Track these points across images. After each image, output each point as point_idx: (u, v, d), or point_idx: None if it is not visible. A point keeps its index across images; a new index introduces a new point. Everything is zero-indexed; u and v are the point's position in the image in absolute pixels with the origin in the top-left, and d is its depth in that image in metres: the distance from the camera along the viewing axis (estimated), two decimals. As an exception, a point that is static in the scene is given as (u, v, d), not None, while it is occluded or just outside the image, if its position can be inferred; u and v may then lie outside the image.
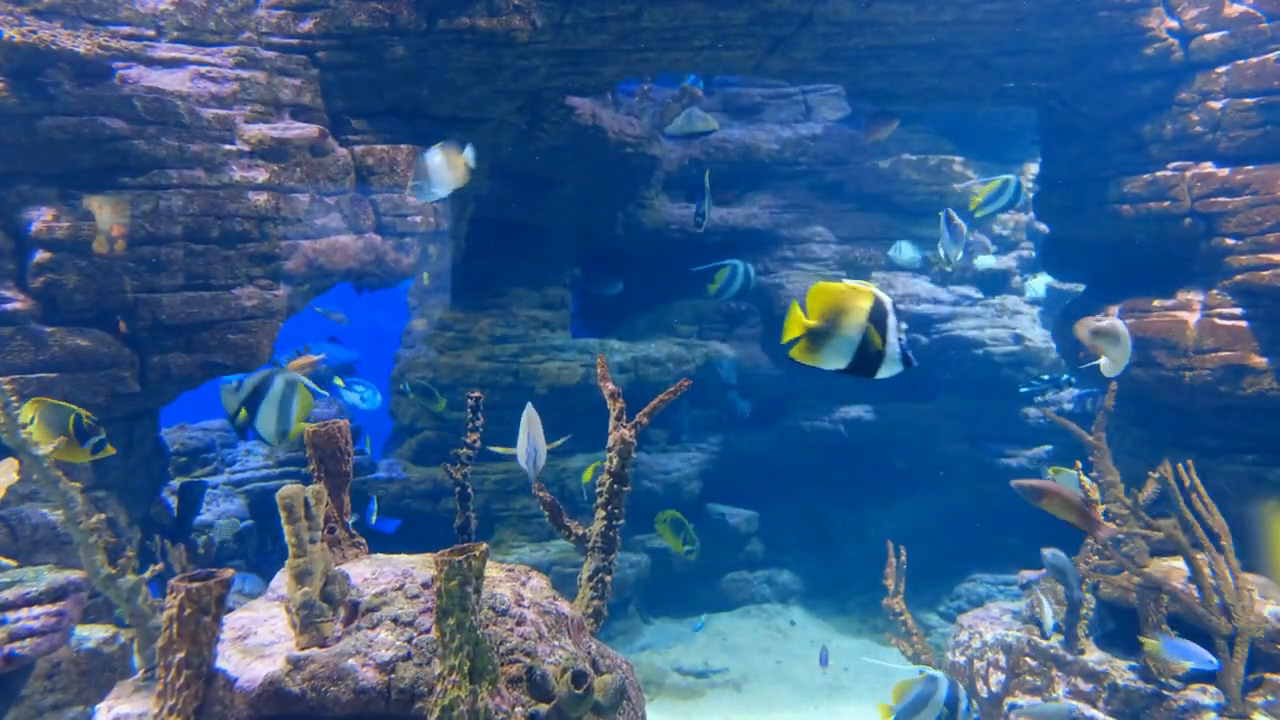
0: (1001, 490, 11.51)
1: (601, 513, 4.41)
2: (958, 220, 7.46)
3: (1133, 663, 6.67)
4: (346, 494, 4.38)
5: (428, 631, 3.41)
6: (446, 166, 6.40)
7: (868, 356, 3.53)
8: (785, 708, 9.61)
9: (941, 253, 7.59)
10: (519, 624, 3.59)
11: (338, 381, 12.66)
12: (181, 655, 2.88)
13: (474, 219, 9.78)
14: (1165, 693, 6.34)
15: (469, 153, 6.56)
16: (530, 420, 5.74)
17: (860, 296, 3.55)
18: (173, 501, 8.36)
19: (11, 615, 5.32)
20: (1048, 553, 7.10)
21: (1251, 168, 7.49)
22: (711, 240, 13.19)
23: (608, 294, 12.92)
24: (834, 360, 3.61)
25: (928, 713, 5.82)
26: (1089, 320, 6.62)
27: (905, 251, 12.47)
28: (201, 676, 2.92)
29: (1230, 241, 7.58)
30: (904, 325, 3.59)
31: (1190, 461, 6.64)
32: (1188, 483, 6.54)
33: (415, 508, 11.19)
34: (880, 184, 13.39)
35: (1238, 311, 7.53)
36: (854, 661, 10.75)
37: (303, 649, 3.38)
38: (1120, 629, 7.09)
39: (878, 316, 3.50)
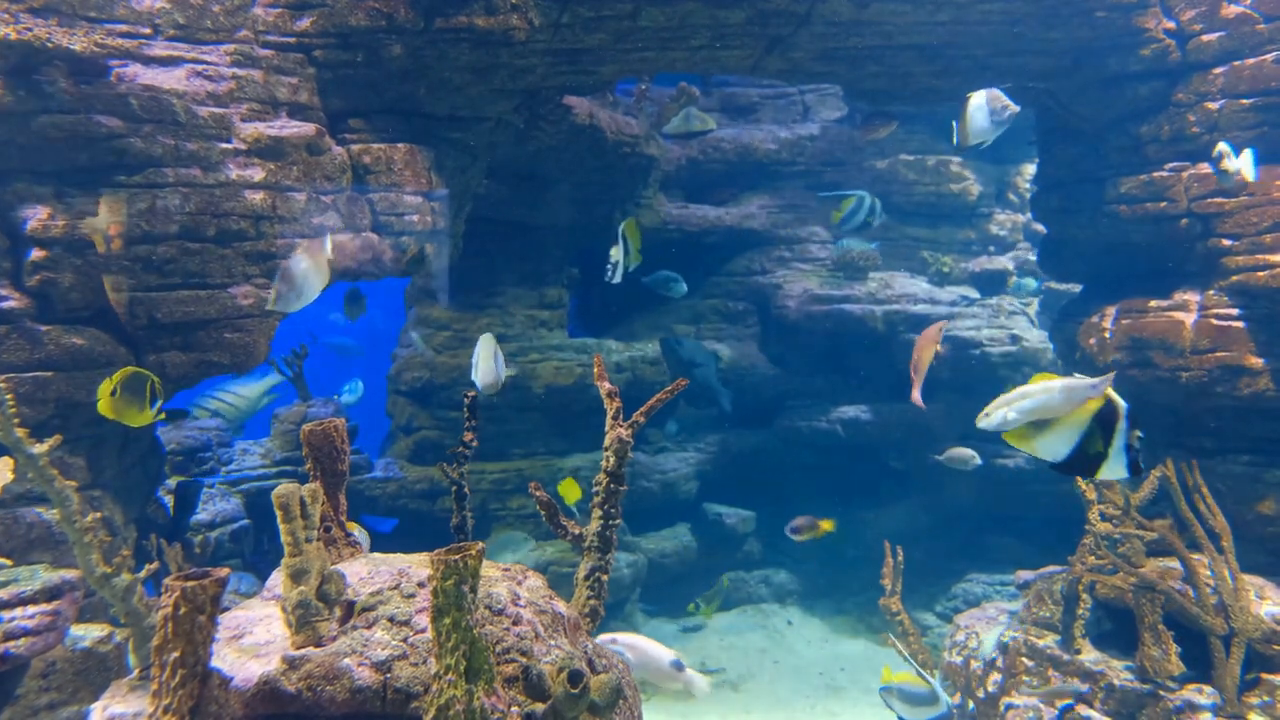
0: (999, 490, 11.60)
1: (598, 512, 4.40)
2: (1006, 102, 6.67)
3: (1129, 662, 6.67)
4: (343, 493, 4.36)
5: (424, 631, 3.40)
6: (314, 271, 6.07)
7: (1088, 455, 3.48)
8: (782, 707, 9.61)
9: (964, 130, 6.78)
10: (515, 623, 3.58)
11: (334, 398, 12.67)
12: (177, 654, 2.87)
13: (471, 218, 9.77)
14: (1161, 693, 6.34)
15: (327, 245, 6.31)
16: (485, 344, 6.23)
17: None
18: (169, 501, 8.35)
19: (6, 614, 5.30)
20: None
21: (1248, 169, 7.49)
22: (708, 240, 13.20)
23: (672, 298, 12.65)
24: (1048, 451, 3.57)
25: (923, 711, 5.88)
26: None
27: (854, 246, 12.43)
28: (197, 676, 2.91)
29: (1227, 242, 7.58)
30: (1139, 433, 3.49)
31: (1195, 462, 6.64)
32: (1191, 482, 6.54)
33: (412, 507, 11.19)
34: (878, 184, 13.39)
35: (1234, 312, 7.54)
36: (850, 663, 10.75)
37: (298, 648, 3.38)
38: (1117, 629, 7.09)
39: (1106, 418, 3.46)
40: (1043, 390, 6.67)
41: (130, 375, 5.79)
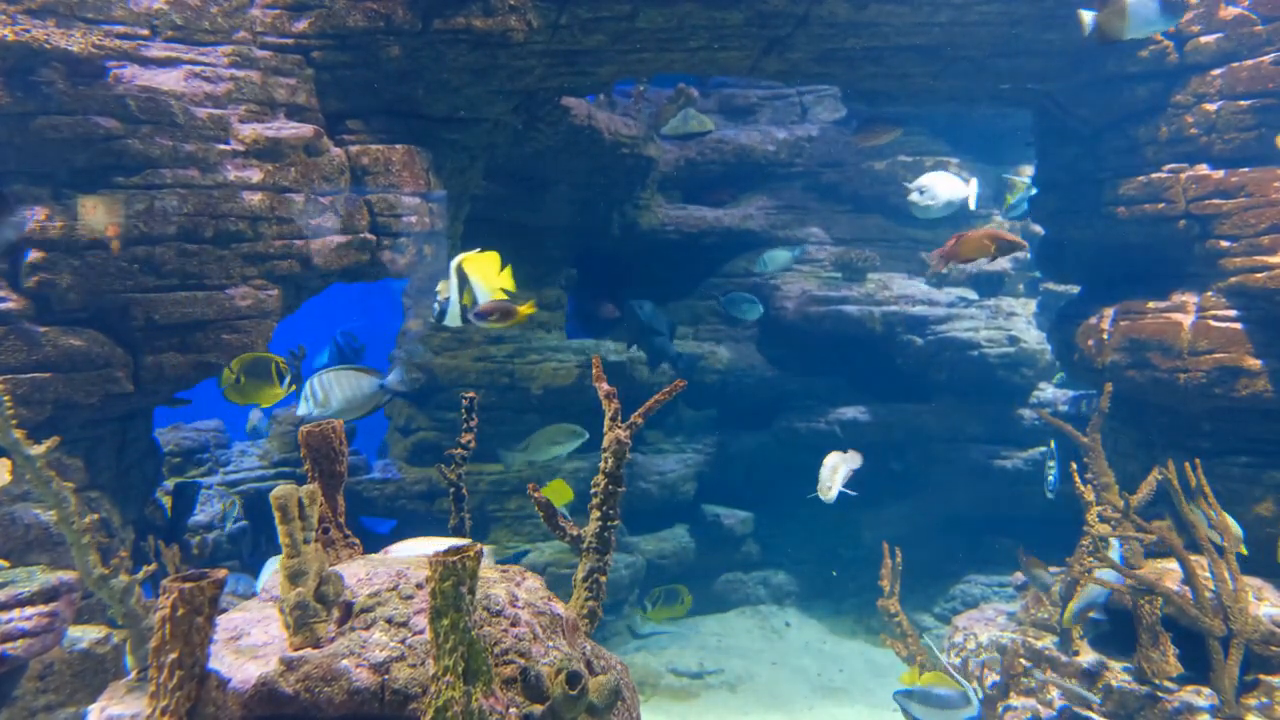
0: (997, 491, 11.60)
1: (596, 513, 4.40)
2: None
3: (1127, 664, 6.68)
4: (341, 494, 4.36)
5: (422, 632, 3.39)
6: None
7: None
8: (780, 708, 9.61)
9: (1120, 22, 6.02)
10: (513, 625, 3.58)
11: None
12: (174, 656, 2.87)
13: (469, 219, 9.77)
14: (1159, 694, 6.34)
15: None
16: (325, 382, 6.16)
17: None
18: (166, 502, 8.34)
19: (4, 616, 5.29)
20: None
21: (1246, 170, 7.49)
22: (706, 241, 13.20)
23: (748, 319, 12.73)
24: None
25: (952, 715, 5.84)
26: None
27: (776, 261, 12.36)
28: (194, 677, 2.91)
29: (1225, 244, 7.58)
30: None
31: (1199, 461, 6.63)
32: (1194, 483, 6.53)
33: (410, 508, 11.18)
34: (876, 185, 13.40)
35: (1232, 313, 7.54)
36: (848, 664, 10.75)
37: (296, 649, 3.37)
38: (1115, 630, 7.09)
39: None
40: (845, 460, 6.93)
41: (250, 361, 6.09)
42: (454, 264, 5.56)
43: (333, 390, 6.45)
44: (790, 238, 13.44)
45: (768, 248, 13.41)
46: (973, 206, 7.63)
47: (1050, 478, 8.65)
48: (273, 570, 5.35)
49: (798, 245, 12.81)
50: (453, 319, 5.64)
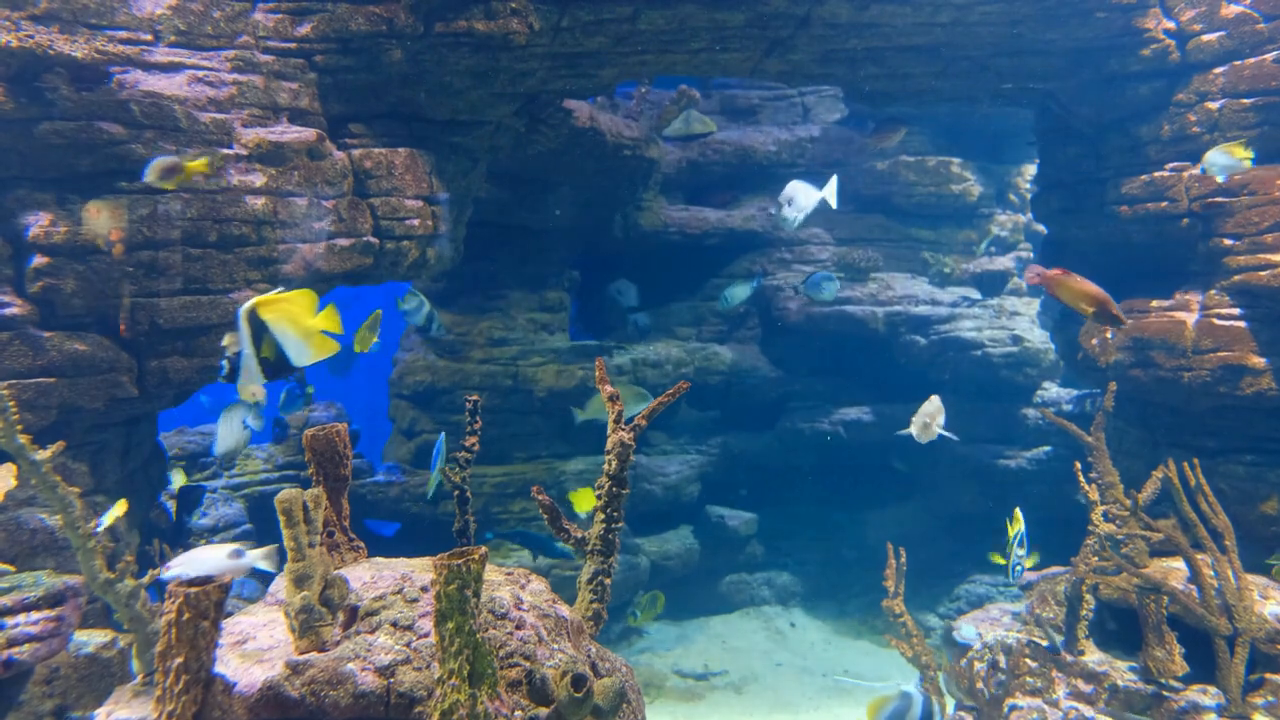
0: (1001, 491, 11.59)
1: (600, 515, 4.40)
2: None
3: (1133, 663, 6.66)
4: (345, 498, 4.37)
5: (427, 635, 3.40)
6: None
7: None
8: (785, 709, 9.60)
9: None
10: (518, 627, 3.58)
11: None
12: (180, 660, 2.88)
13: (472, 222, 9.78)
14: (1165, 694, 6.33)
15: None
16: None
17: None
18: (171, 506, 8.35)
19: (10, 620, 5.30)
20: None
21: (1249, 168, 7.49)
22: (709, 243, 13.21)
23: (825, 299, 12.69)
24: None
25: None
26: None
27: (737, 296, 12.34)
28: (200, 681, 2.92)
29: (1228, 242, 7.58)
30: None
31: (1196, 461, 6.63)
32: (1193, 482, 6.52)
33: (414, 511, 11.18)
34: (878, 185, 13.39)
35: (1236, 312, 7.54)
36: (853, 665, 10.75)
37: (302, 653, 3.38)
38: (1120, 629, 7.08)
39: None
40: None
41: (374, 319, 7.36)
42: (243, 311, 4.40)
43: (219, 426, 7.15)
44: (792, 238, 13.44)
45: (770, 249, 13.42)
46: (833, 205, 8.18)
47: (1016, 565, 7.55)
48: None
49: (755, 277, 12.83)
50: (249, 377, 4.42)
